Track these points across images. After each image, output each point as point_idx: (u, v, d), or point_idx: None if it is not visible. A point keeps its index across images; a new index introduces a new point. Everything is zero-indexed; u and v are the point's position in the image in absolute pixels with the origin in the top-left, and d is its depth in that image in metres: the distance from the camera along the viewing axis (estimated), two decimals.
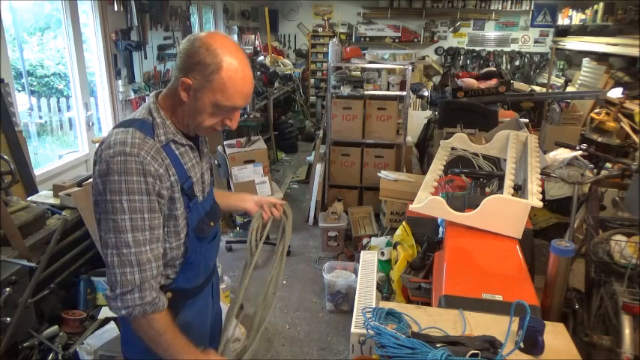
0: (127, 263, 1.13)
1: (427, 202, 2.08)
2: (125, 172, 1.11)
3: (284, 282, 3.57)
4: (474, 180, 2.54)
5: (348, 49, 4.53)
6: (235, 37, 7.75)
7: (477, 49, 9.07)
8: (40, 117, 3.53)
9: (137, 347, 1.32)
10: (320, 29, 9.19)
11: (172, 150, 1.22)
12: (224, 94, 1.16)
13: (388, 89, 4.42)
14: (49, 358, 2.15)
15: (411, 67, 4.22)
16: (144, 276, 1.15)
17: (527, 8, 8.60)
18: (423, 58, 8.61)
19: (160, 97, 1.26)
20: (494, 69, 5.26)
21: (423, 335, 1.34)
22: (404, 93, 4.29)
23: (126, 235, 1.13)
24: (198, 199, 1.31)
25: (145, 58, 4.60)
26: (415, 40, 9.08)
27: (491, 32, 9.00)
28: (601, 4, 6.45)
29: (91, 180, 2.57)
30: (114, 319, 2.41)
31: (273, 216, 1.54)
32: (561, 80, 7.29)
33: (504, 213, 1.97)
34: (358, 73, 4.54)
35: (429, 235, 2.49)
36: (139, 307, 1.15)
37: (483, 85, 4.67)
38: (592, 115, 5.10)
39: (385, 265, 2.92)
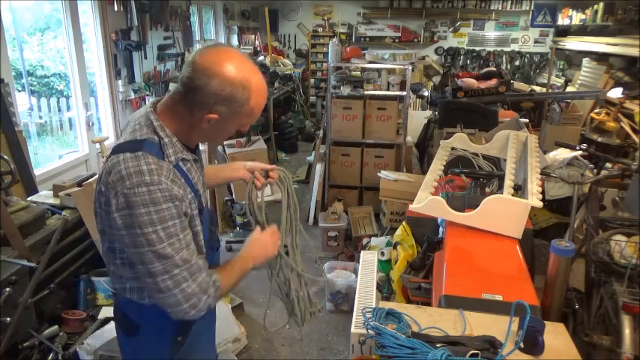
0: (181, 281, 1.12)
1: (427, 202, 2.08)
2: (153, 202, 1.06)
3: None
4: (474, 180, 2.54)
5: (348, 49, 4.53)
6: (235, 37, 7.76)
7: (477, 49, 9.07)
8: (40, 117, 3.53)
9: (135, 352, 1.35)
10: (320, 29, 9.19)
11: (182, 168, 1.19)
12: (250, 117, 1.19)
13: (388, 89, 4.42)
14: (49, 358, 2.15)
15: (411, 67, 4.22)
16: (200, 281, 1.15)
17: (527, 8, 8.60)
18: (423, 58, 8.61)
19: (160, 110, 1.18)
20: (494, 69, 5.26)
21: (423, 335, 1.34)
22: (404, 93, 4.29)
23: (172, 259, 1.11)
24: (204, 210, 1.30)
25: (145, 58, 4.60)
26: (415, 40, 9.08)
27: (491, 32, 9.00)
28: (601, 4, 6.45)
29: (90, 180, 2.58)
30: (114, 319, 2.41)
31: (269, 182, 1.48)
32: (561, 80, 7.29)
33: (504, 213, 1.97)
34: (358, 73, 4.54)
35: (429, 235, 2.49)
36: (214, 300, 1.19)
37: (483, 85, 4.67)
38: (592, 115, 5.10)
39: (385, 265, 2.92)
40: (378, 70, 4.44)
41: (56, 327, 2.29)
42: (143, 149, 1.10)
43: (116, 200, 1.07)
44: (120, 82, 4.16)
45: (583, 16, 7.15)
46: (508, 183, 2.19)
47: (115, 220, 1.09)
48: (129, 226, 1.07)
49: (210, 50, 1.12)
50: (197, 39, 6.22)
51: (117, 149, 1.13)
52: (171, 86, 4.81)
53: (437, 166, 2.59)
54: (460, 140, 2.95)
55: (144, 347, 1.32)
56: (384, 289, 2.82)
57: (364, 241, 3.78)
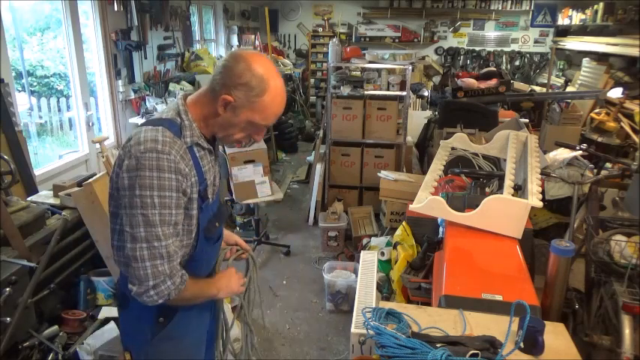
0: (157, 256, 1.17)
1: (427, 202, 2.08)
2: (158, 168, 1.15)
3: (284, 282, 3.57)
4: (474, 180, 2.54)
5: (348, 49, 4.53)
6: (235, 37, 7.75)
7: (477, 49, 9.07)
8: (40, 117, 3.52)
9: (136, 337, 1.38)
10: (320, 29, 9.18)
11: (195, 152, 1.26)
12: (262, 114, 1.24)
13: (388, 89, 4.42)
14: (49, 358, 2.15)
15: (411, 67, 4.22)
16: (172, 266, 1.20)
17: (527, 8, 8.60)
18: (423, 58, 8.60)
19: (189, 100, 1.29)
20: (494, 69, 5.26)
21: (423, 335, 1.34)
22: (404, 93, 4.29)
23: (156, 228, 1.16)
24: (209, 201, 1.35)
25: (145, 58, 4.60)
26: (415, 40, 9.08)
27: (491, 32, 9.00)
28: (601, 4, 6.45)
29: (90, 180, 2.58)
30: (114, 318, 2.41)
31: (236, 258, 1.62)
32: (561, 80, 7.29)
33: (504, 213, 1.97)
34: (358, 73, 4.54)
35: (429, 235, 2.49)
36: (174, 291, 1.21)
37: (483, 85, 4.67)
38: (592, 115, 5.10)
39: (385, 265, 2.92)
40: (378, 70, 4.44)
41: (56, 327, 2.28)
42: (164, 125, 1.21)
43: (128, 162, 1.16)
44: (120, 82, 4.16)
45: (583, 16, 7.14)
46: (508, 183, 2.19)
47: (122, 180, 1.17)
48: (132, 186, 1.15)
49: (249, 49, 1.22)
50: (197, 39, 6.22)
51: (143, 124, 1.25)
52: (171, 86, 4.81)
53: (437, 166, 2.59)
54: (460, 140, 2.95)
55: (132, 321, 1.39)
56: (384, 289, 2.82)
57: (364, 241, 3.78)
